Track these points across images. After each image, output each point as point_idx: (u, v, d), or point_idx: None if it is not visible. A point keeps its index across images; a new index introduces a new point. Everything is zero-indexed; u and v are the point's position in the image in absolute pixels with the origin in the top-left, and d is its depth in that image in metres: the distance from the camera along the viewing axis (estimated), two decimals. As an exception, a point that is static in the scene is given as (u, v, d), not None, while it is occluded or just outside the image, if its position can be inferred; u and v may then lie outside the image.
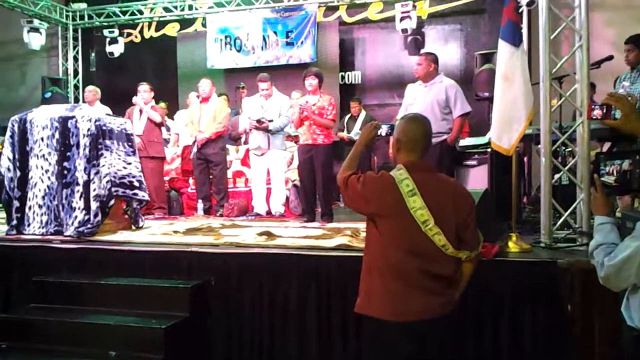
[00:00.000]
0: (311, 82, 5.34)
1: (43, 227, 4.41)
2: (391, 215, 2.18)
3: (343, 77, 8.70)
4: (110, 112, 6.12)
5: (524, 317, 2.98)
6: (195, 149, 6.08)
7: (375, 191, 2.21)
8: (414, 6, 7.83)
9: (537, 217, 3.89)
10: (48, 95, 8.79)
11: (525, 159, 5.79)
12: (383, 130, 2.49)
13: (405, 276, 2.16)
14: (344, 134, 7.53)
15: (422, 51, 7.18)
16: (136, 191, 4.58)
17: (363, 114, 7.67)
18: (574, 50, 3.62)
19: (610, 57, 4.66)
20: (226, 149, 6.47)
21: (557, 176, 3.70)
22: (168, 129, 7.40)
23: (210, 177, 6.18)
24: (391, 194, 2.16)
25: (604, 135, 4.27)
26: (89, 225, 4.23)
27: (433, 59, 4.81)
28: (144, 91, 6.21)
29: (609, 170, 2.06)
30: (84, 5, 9.18)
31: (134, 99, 6.12)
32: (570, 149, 4.22)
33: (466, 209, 2.25)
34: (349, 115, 7.78)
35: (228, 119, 6.47)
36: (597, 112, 2.06)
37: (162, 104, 7.99)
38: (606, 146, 4.86)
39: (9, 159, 4.51)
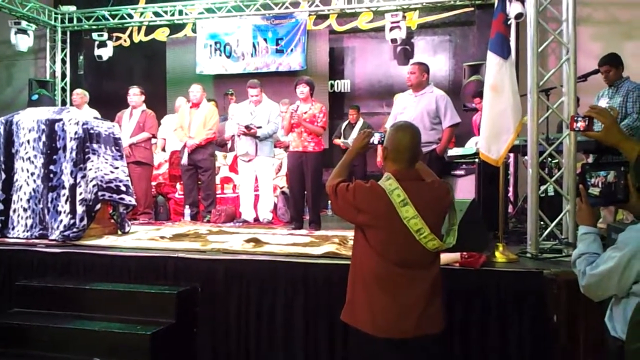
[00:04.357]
0: (302, 89, 5.35)
1: (28, 231, 4.36)
2: (383, 226, 2.18)
3: (332, 86, 8.72)
4: (99, 116, 6.07)
5: (510, 326, 3.00)
6: (185, 155, 6.06)
7: (367, 202, 2.20)
8: (404, 16, 7.89)
9: (524, 228, 3.93)
10: (35, 97, 8.71)
11: (512, 169, 5.84)
12: (375, 138, 2.45)
13: (391, 287, 2.16)
14: (340, 141, 7.45)
15: (412, 61, 7.23)
16: (123, 196, 4.55)
17: (361, 121, 7.60)
18: (562, 63, 3.67)
19: (597, 71, 4.74)
20: (215, 155, 6.45)
21: (543, 187, 3.74)
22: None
23: (199, 182, 6.16)
24: (383, 204, 2.16)
25: (590, 148, 4.33)
26: (74, 230, 4.19)
27: (425, 68, 4.85)
28: (134, 94, 6.20)
29: (595, 182, 2.08)
30: (73, 8, 9.11)
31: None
32: (556, 160, 4.28)
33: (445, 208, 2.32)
34: (346, 122, 7.71)
35: (218, 125, 6.45)
36: (580, 124, 2.11)
37: None
38: (592, 158, 4.93)
39: (-6, 161, 4.46)
